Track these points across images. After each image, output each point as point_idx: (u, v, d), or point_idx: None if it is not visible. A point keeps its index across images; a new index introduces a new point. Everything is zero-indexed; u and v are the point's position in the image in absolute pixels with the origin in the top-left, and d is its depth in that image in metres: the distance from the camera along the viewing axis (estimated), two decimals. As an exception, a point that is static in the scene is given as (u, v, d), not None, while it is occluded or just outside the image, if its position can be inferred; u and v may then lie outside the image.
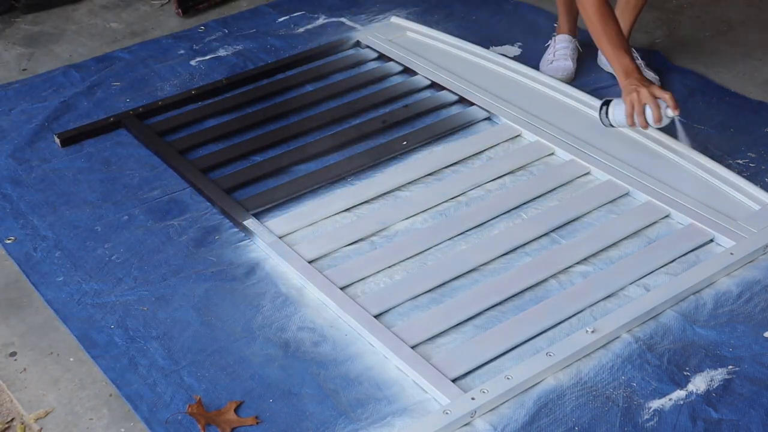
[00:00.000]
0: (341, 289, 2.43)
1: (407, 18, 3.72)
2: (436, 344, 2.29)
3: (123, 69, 3.50)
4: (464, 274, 2.48)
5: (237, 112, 3.20)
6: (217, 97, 3.29)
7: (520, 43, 3.60)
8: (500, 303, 2.39)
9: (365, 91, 3.29)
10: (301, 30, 3.72)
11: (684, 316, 2.33)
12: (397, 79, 3.35)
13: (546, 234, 2.61)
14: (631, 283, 2.43)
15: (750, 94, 3.26)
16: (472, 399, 2.10)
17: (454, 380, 2.16)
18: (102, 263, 2.57)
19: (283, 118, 3.17)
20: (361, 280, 2.48)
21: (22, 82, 3.45)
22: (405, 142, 2.95)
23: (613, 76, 3.34)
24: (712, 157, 2.88)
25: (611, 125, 2.88)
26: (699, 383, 2.17)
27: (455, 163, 2.90)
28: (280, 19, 3.80)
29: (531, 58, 3.47)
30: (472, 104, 3.14)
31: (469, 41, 3.49)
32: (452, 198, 2.76)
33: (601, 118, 2.89)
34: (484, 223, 2.66)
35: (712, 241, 2.56)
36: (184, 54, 3.58)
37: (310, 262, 2.52)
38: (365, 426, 2.08)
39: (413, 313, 2.38)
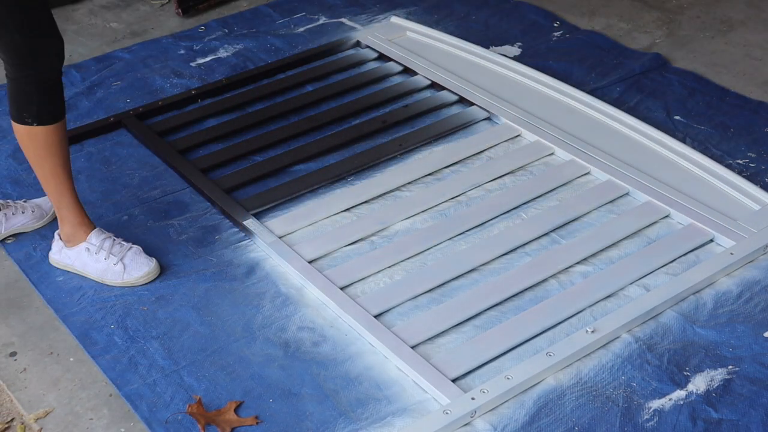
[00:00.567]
0: (341, 289, 2.43)
1: (407, 18, 3.72)
2: (436, 344, 2.29)
3: (123, 69, 3.50)
4: (464, 274, 2.48)
5: (237, 112, 3.20)
6: (217, 97, 3.30)
7: (520, 43, 3.60)
8: (500, 303, 2.39)
9: (365, 91, 3.29)
10: (301, 30, 3.72)
11: (684, 316, 2.33)
12: (397, 79, 3.35)
13: (546, 234, 2.61)
14: (631, 283, 2.43)
15: (750, 94, 3.26)
16: (472, 399, 2.10)
17: (454, 380, 2.16)
18: (102, 263, 2.57)
19: (283, 118, 3.17)
20: (361, 280, 2.48)
21: (22, 82, 3.45)
22: (401, 144, 2.95)
23: (617, 72, 3.35)
24: (712, 157, 2.88)
25: None
26: (699, 383, 2.17)
27: (455, 163, 2.90)
28: (280, 20, 3.80)
29: (531, 58, 3.47)
30: (472, 104, 3.14)
31: (469, 41, 3.49)
32: (452, 198, 2.76)
33: None
34: (484, 223, 2.66)
35: (712, 241, 2.56)
36: (184, 54, 3.58)
37: (310, 262, 2.52)
38: (365, 426, 2.08)
39: (413, 313, 2.38)
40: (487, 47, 3.51)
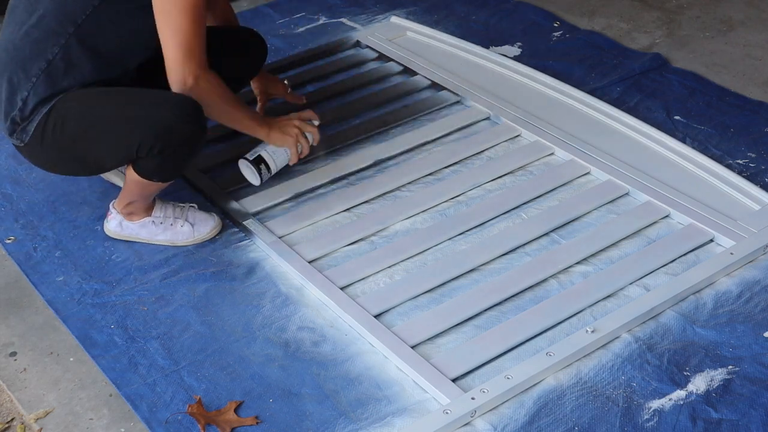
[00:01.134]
0: (341, 289, 2.43)
1: (407, 18, 3.72)
2: (436, 344, 2.29)
3: (123, 69, 3.50)
4: (464, 274, 2.48)
5: (237, 112, 3.20)
6: (217, 97, 3.29)
7: (520, 43, 3.60)
8: (500, 303, 2.39)
9: (365, 91, 3.29)
10: (301, 30, 3.72)
11: (684, 316, 2.33)
12: (397, 79, 3.35)
13: (546, 234, 2.61)
14: (631, 283, 2.43)
15: (750, 94, 3.26)
16: (472, 399, 2.10)
17: (454, 380, 2.16)
18: (102, 263, 2.57)
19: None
20: (361, 280, 2.48)
21: (22, 82, 3.45)
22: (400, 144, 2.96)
23: (617, 72, 3.35)
24: (712, 157, 2.88)
25: (269, 174, 2.71)
26: (699, 383, 2.17)
27: (455, 163, 2.90)
28: (280, 20, 3.80)
29: (531, 58, 3.47)
30: (472, 104, 3.14)
31: (469, 41, 3.49)
32: (452, 198, 2.76)
33: (261, 176, 2.68)
34: (484, 223, 2.66)
35: (712, 241, 2.56)
36: (184, 54, 3.58)
37: (310, 262, 2.52)
38: (365, 426, 2.08)
39: (413, 313, 2.38)
40: (487, 47, 3.51)
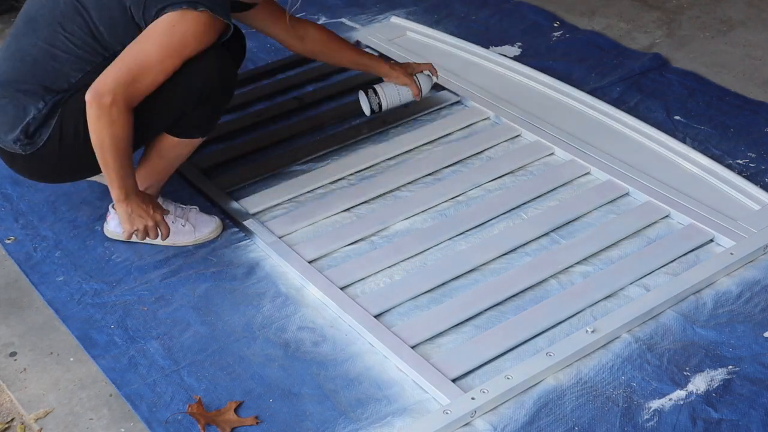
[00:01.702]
0: (341, 289, 2.43)
1: (407, 18, 3.72)
2: (436, 344, 2.29)
3: (123, 69, 3.50)
4: (464, 274, 2.48)
5: (237, 113, 3.20)
6: (217, 97, 3.29)
7: (520, 43, 3.60)
8: (500, 303, 2.39)
9: (365, 91, 3.29)
10: (301, 30, 3.72)
11: (684, 316, 2.33)
12: (397, 79, 3.34)
13: (546, 234, 2.61)
14: (631, 283, 2.43)
15: (750, 94, 3.26)
16: (472, 399, 2.10)
17: (454, 380, 2.16)
18: (102, 263, 2.57)
19: (283, 118, 3.17)
20: (361, 280, 2.48)
21: (22, 82, 3.44)
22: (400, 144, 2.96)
23: (617, 72, 3.35)
24: (712, 157, 2.88)
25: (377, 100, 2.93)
26: (699, 383, 2.17)
27: (455, 163, 2.90)
28: (280, 19, 3.80)
29: (531, 58, 3.47)
30: (472, 104, 3.14)
31: (469, 41, 3.49)
32: (452, 198, 2.76)
33: (371, 104, 2.94)
34: (484, 223, 2.66)
35: (712, 241, 2.56)
36: (184, 54, 3.58)
37: (310, 262, 2.52)
38: (365, 426, 2.08)
39: (413, 313, 2.38)
40: (487, 47, 3.51)
